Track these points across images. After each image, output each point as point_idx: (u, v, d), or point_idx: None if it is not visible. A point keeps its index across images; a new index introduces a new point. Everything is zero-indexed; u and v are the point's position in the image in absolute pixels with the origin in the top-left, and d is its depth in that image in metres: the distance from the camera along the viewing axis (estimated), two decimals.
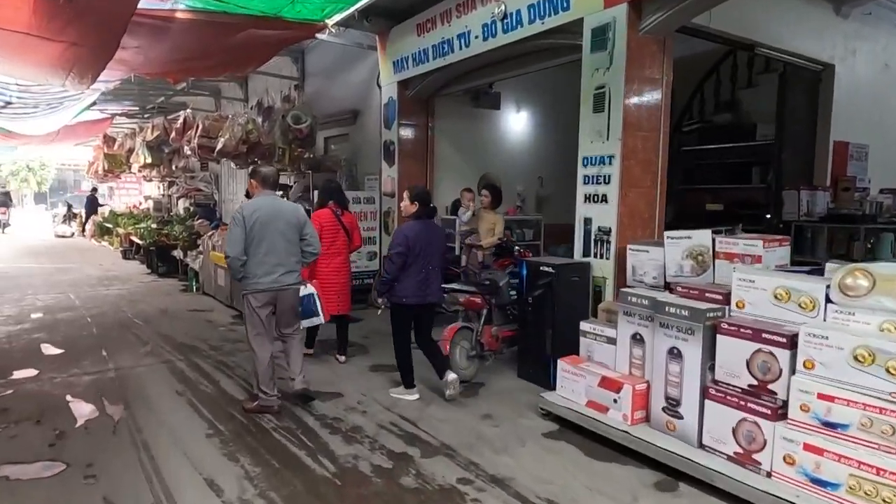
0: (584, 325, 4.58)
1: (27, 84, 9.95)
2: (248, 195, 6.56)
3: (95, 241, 18.42)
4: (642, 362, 4.09)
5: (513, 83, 9.36)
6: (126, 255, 14.44)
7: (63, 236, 20.84)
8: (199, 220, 14.32)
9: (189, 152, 9.16)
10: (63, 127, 16.79)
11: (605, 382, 4.16)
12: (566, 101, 10.64)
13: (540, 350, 5.25)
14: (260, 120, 8.61)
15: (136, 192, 24.28)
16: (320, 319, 5.52)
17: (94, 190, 21.30)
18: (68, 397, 4.98)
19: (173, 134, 9.90)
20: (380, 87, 9.07)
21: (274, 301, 4.54)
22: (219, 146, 8.14)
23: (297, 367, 4.78)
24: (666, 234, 4.56)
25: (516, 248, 6.39)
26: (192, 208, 15.81)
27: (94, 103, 14.06)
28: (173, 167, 16.18)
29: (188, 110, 9.95)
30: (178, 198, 17.16)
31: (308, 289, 5.37)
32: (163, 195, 19.74)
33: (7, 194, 28.18)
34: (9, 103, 11.12)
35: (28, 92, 10.56)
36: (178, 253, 11.10)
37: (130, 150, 17.87)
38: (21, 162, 33.68)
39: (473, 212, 6.99)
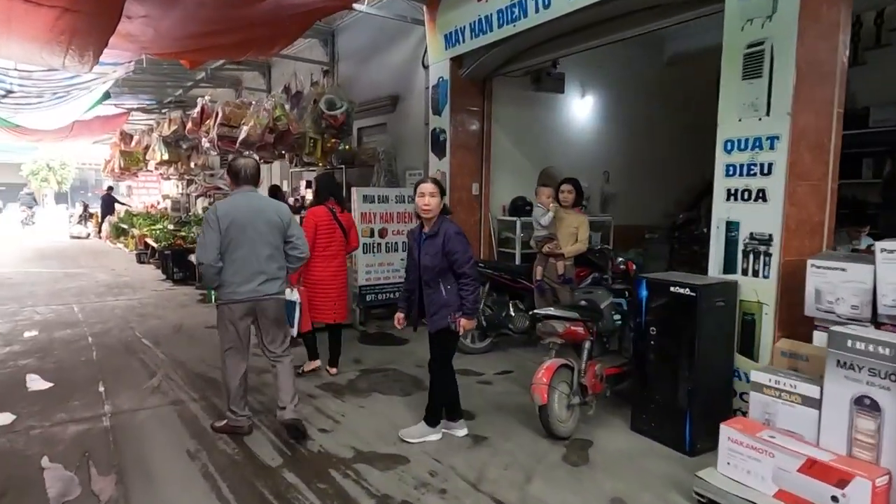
0: (759, 376, 3.19)
1: (28, 70, 8.73)
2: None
3: (111, 242, 17.28)
4: (876, 441, 2.69)
5: (577, 63, 7.97)
6: (141, 259, 13.25)
7: (78, 237, 19.75)
8: None
9: (207, 145, 7.91)
10: (76, 122, 15.75)
11: (817, 469, 2.76)
12: (635, 85, 9.09)
13: (668, 399, 3.87)
14: (288, 107, 7.30)
15: (157, 191, 23.19)
16: (290, 329, 4.57)
17: (111, 189, 20.19)
18: (45, 461, 3.68)
19: (189, 125, 8.66)
20: (426, 67, 7.73)
21: (254, 313, 3.93)
22: (241, 135, 6.86)
23: (287, 395, 4.06)
24: (879, 245, 3.14)
25: (619, 259, 4.98)
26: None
27: (107, 96, 13.00)
28: (192, 164, 14.99)
29: (206, 97, 8.71)
30: (197, 197, 15.96)
31: (293, 295, 4.83)
32: (181, 194, 18.58)
33: (31, 195, 27.69)
34: (10, 92, 9.94)
35: (30, 79, 9.35)
36: (194, 257, 9.82)
37: (147, 147, 16.74)
38: (41, 161, 32.76)
39: (552, 213, 5.62)
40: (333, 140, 7.59)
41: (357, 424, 4.30)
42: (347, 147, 7.89)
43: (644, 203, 9.03)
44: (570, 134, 8.38)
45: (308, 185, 10.03)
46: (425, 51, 7.63)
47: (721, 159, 4.04)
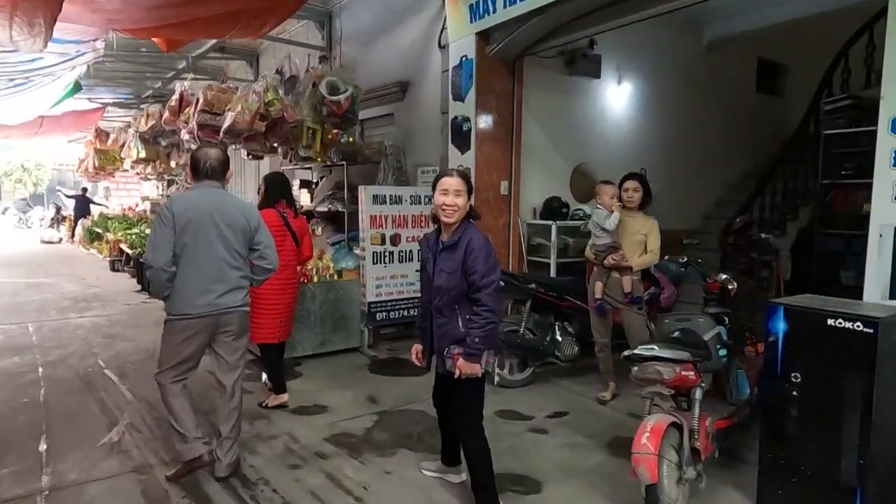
0: None
1: None
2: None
3: (84, 248, 15.90)
4: None
5: (613, 45, 6.90)
6: (114, 267, 11.94)
7: (49, 242, 18.30)
8: None
9: (187, 136, 6.72)
10: (45, 118, 14.39)
11: None
12: (672, 72, 7.76)
13: (824, 471, 2.77)
14: (282, 92, 6.10)
15: (137, 192, 21.76)
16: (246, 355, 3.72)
17: (84, 190, 18.77)
18: None
19: (166, 114, 7.45)
20: (442, 47, 6.61)
21: (213, 330, 3.31)
22: (226, 123, 5.66)
23: (227, 443, 3.39)
24: None
25: (723, 276, 3.85)
26: None
27: (78, 87, 11.69)
28: (172, 163, 13.70)
29: (186, 82, 7.50)
30: None
31: None
32: (161, 195, 17.24)
33: (25, 200, 26.93)
34: None
35: None
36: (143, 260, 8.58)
37: (124, 145, 15.42)
38: (15, 162, 31.12)
39: (618, 214, 4.51)
40: (335, 131, 6.42)
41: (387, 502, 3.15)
42: (351, 139, 6.72)
43: (681, 205, 7.96)
44: (605, 126, 7.29)
45: (303, 185, 8.84)
46: (443, 28, 6.50)
47: (887, 143, 2.94)
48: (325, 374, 5.35)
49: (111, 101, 15.12)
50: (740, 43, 8.49)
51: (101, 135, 16.69)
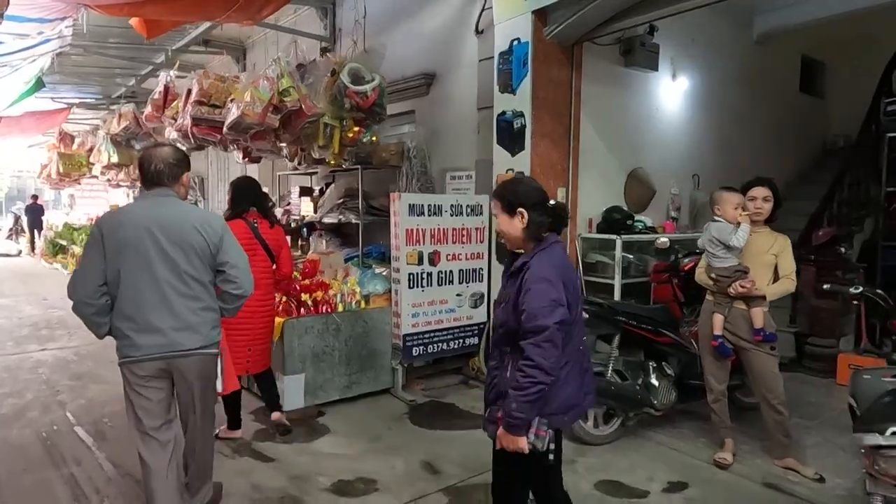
0: None
1: None
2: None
3: (46, 261, 14.37)
4: None
5: (668, 35, 5.98)
6: None
7: (7, 255, 16.63)
8: None
9: (175, 135, 5.55)
10: (2, 118, 12.94)
11: None
12: (722, 66, 6.83)
13: None
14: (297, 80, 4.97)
15: (104, 200, 20.16)
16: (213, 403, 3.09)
17: (35, 198, 17.21)
18: None
19: (148, 109, 6.22)
20: (479, 32, 5.62)
21: (168, 375, 2.65)
22: (231, 117, 4.49)
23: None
24: None
25: None
26: None
27: (41, 84, 10.43)
28: None
29: (172, 72, 6.32)
30: None
31: None
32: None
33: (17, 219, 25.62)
34: None
35: None
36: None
37: (92, 149, 14.03)
38: None
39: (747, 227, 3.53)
40: (356, 128, 5.32)
41: None
42: (374, 138, 5.64)
43: None
44: (659, 125, 6.36)
45: (303, 193, 7.69)
46: (482, 9, 5.51)
47: None
48: (357, 427, 4.26)
49: (77, 101, 13.75)
50: (787, 38, 7.71)
51: (66, 138, 15.25)
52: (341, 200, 6.78)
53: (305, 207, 7.40)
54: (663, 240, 4.89)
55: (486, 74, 5.52)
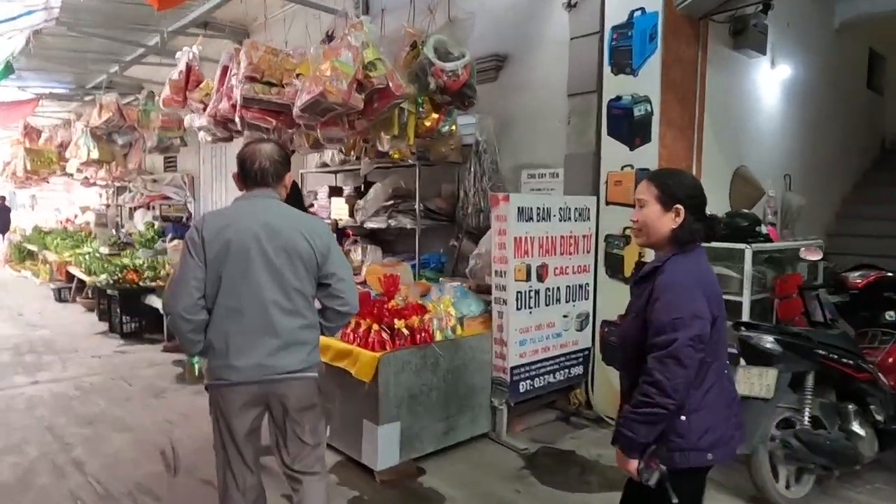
0: None
1: None
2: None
3: (12, 269, 12.86)
4: None
5: (769, 16, 5.19)
6: (60, 296, 9.25)
7: None
8: (175, 242, 9.49)
9: (205, 121, 4.51)
10: None
11: None
12: (803, 55, 5.99)
13: None
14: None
15: (66, 200, 18.49)
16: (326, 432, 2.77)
17: (3, 199, 15.64)
18: None
19: (166, 92, 5.07)
20: (572, 6, 4.73)
21: (263, 403, 2.34)
22: (307, 95, 3.42)
23: None
24: None
25: None
26: (156, 223, 10.84)
27: (10, 69, 9.16)
28: (130, 165, 11.14)
29: (195, 47, 5.24)
30: (135, 209, 12.03)
31: None
32: (104, 205, 14.42)
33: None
34: None
35: None
36: (161, 304, 6.22)
37: (63, 144, 12.67)
38: None
39: None
40: (435, 115, 4.39)
41: None
42: (453, 128, 4.70)
43: (814, 220, 6.41)
44: (758, 118, 5.60)
45: (333, 193, 6.68)
46: None
47: None
48: (476, 491, 3.33)
49: (46, 89, 12.36)
50: (860, 29, 7.09)
51: (32, 132, 13.77)
52: (391, 202, 5.82)
53: (338, 210, 6.41)
54: (813, 250, 4.11)
55: (581, 54, 4.66)
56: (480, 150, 5.33)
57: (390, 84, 3.66)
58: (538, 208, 4.02)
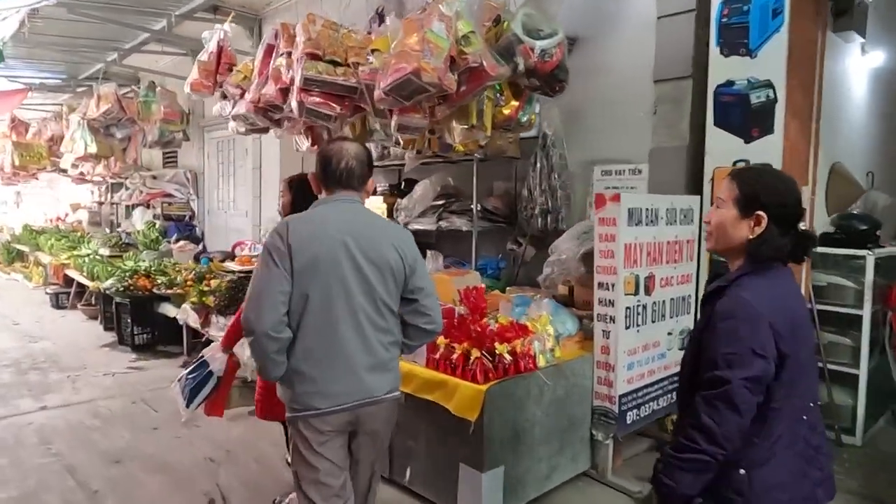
0: None
1: None
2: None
3: (2, 271, 12.04)
4: None
5: None
6: (58, 302, 8.51)
7: None
8: (181, 243, 8.84)
9: (244, 109, 3.88)
10: None
11: None
12: (888, 39, 5.46)
13: None
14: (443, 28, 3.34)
15: (50, 198, 17.54)
16: (185, 409, 3.03)
17: None
18: None
19: (194, 76, 4.40)
20: None
21: (353, 427, 2.14)
22: (394, 76, 2.78)
23: None
24: None
25: None
26: (157, 223, 10.12)
27: (0, 57, 8.41)
28: (129, 160, 10.43)
29: (225, 25, 4.59)
30: (133, 207, 11.26)
31: (214, 357, 3.05)
32: (99, 203, 13.60)
33: None
34: None
35: None
36: (182, 315, 5.56)
37: (56, 139, 11.90)
38: None
39: None
40: (515, 103, 3.81)
41: None
42: (532, 118, 4.12)
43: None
44: (848, 109, 5.08)
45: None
46: None
47: None
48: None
49: (35, 79, 11.56)
50: None
51: (19, 125, 12.96)
52: (442, 202, 5.22)
53: (374, 210, 5.78)
54: None
55: (672, 34, 4.12)
56: (548, 144, 4.77)
57: (484, 63, 3.06)
58: (647, 209, 3.45)
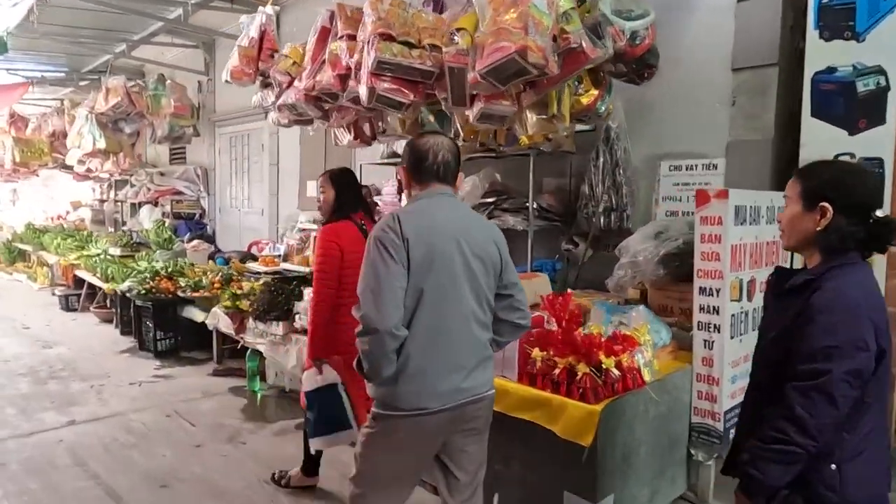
0: None
1: None
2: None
3: (2, 271, 11.58)
4: None
5: None
6: (68, 304, 8.10)
7: None
8: (195, 242, 8.46)
9: (295, 99, 3.52)
10: None
11: None
12: None
13: None
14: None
15: (44, 196, 16.99)
16: (352, 435, 2.84)
17: None
18: None
19: (234, 62, 3.98)
20: None
21: (451, 431, 2.09)
22: (495, 56, 2.38)
23: None
24: None
25: None
26: (167, 221, 9.72)
27: (4, 48, 8.04)
28: (135, 156, 10.06)
29: (267, 9, 4.21)
30: (141, 205, 10.84)
31: (327, 375, 2.88)
32: (101, 200, 13.15)
33: None
34: None
35: None
36: (212, 320, 5.20)
37: (55, 135, 11.50)
38: None
39: None
40: (595, 91, 3.49)
41: None
42: (610, 107, 3.80)
43: None
44: None
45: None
46: None
47: None
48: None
49: (37, 72, 11.13)
50: None
51: (18, 120, 12.52)
52: (494, 199, 4.89)
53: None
54: None
55: (755, 19, 3.81)
56: (612, 137, 4.44)
57: (583, 44, 2.73)
58: (751, 207, 3.14)
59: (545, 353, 2.75)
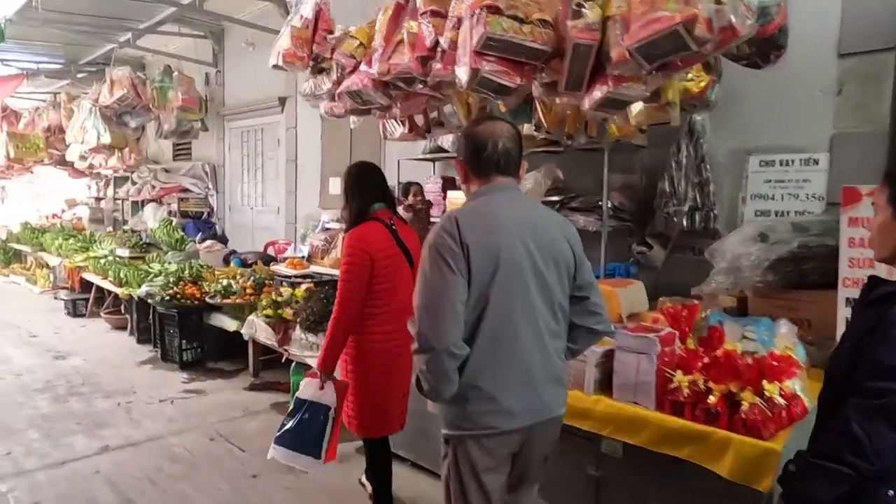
0: None
1: None
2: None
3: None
4: None
5: None
6: (75, 310, 7.55)
7: None
8: (208, 243, 7.97)
9: (362, 85, 3.09)
10: None
11: None
12: None
13: None
14: None
15: (31, 193, 16.28)
16: (312, 465, 2.72)
17: None
18: None
19: (286, 45, 3.56)
20: None
21: (518, 450, 1.92)
22: (652, 28, 1.96)
23: None
24: None
25: None
26: (174, 220, 9.18)
27: (1, 37, 7.58)
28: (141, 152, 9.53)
29: None
30: (145, 203, 10.28)
31: (327, 394, 2.69)
32: (97, 198, 12.55)
33: None
34: None
35: None
36: (248, 329, 4.74)
37: (51, 129, 10.92)
38: None
39: None
40: (707, 76, 3.11)
41: None
42: (718, 96, 3.42)
43: None
44: None
45: (449, 183, 5.31)
46: None
47: None
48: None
49: (33, 64, 10.54)
50: None
51: (11, 115, 11.92)
52: (559, 198, 4.49)
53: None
54: None
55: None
56: (696, 130, 4.06)
57: (733, 19, 2.33)
58: None
59: (690, 376, 2.35)
